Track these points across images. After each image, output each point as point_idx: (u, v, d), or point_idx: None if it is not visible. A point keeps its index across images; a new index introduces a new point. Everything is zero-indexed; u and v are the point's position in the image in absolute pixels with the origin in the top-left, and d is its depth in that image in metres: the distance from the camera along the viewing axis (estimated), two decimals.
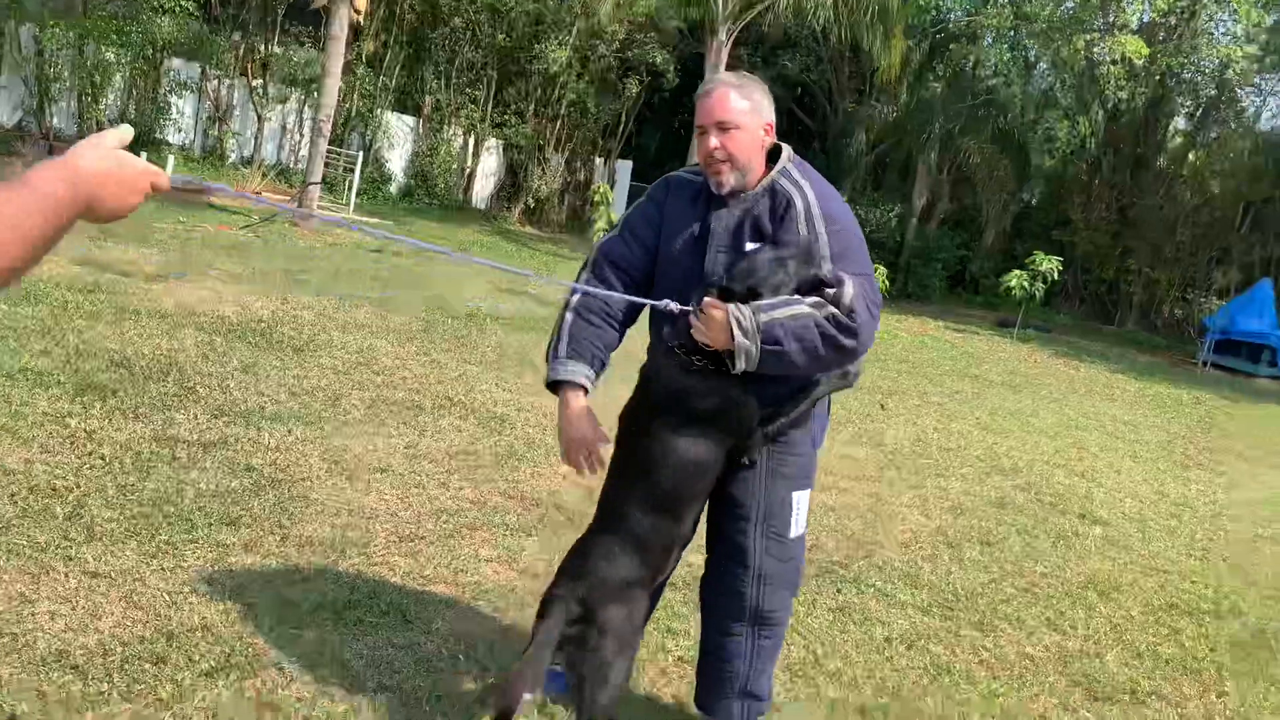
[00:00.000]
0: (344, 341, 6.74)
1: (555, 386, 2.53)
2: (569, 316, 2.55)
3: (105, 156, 1.32)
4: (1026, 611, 4.19)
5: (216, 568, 3.22)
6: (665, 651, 3.23)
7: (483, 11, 18.82)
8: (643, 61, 20.44)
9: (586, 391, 2.51)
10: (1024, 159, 22.65)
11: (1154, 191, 23.01)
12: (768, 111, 2.44)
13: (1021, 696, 3.39)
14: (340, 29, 12.18)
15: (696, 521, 2.51)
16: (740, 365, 2.26)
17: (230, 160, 16.99)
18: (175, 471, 3.90)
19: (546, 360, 2.56)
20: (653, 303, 2.46)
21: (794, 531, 2.57)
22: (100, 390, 4.65)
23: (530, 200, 20.67)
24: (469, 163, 20.23)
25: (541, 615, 2.31)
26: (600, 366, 2.54)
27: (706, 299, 2.31)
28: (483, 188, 20.91)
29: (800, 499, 2.57)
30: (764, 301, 2.27)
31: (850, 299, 2.30)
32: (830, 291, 2.30)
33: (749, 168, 2.42)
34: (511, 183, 21.04)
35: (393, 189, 19.19)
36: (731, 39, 17.55)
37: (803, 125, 25.76)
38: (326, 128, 12.39)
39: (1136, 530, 5.88)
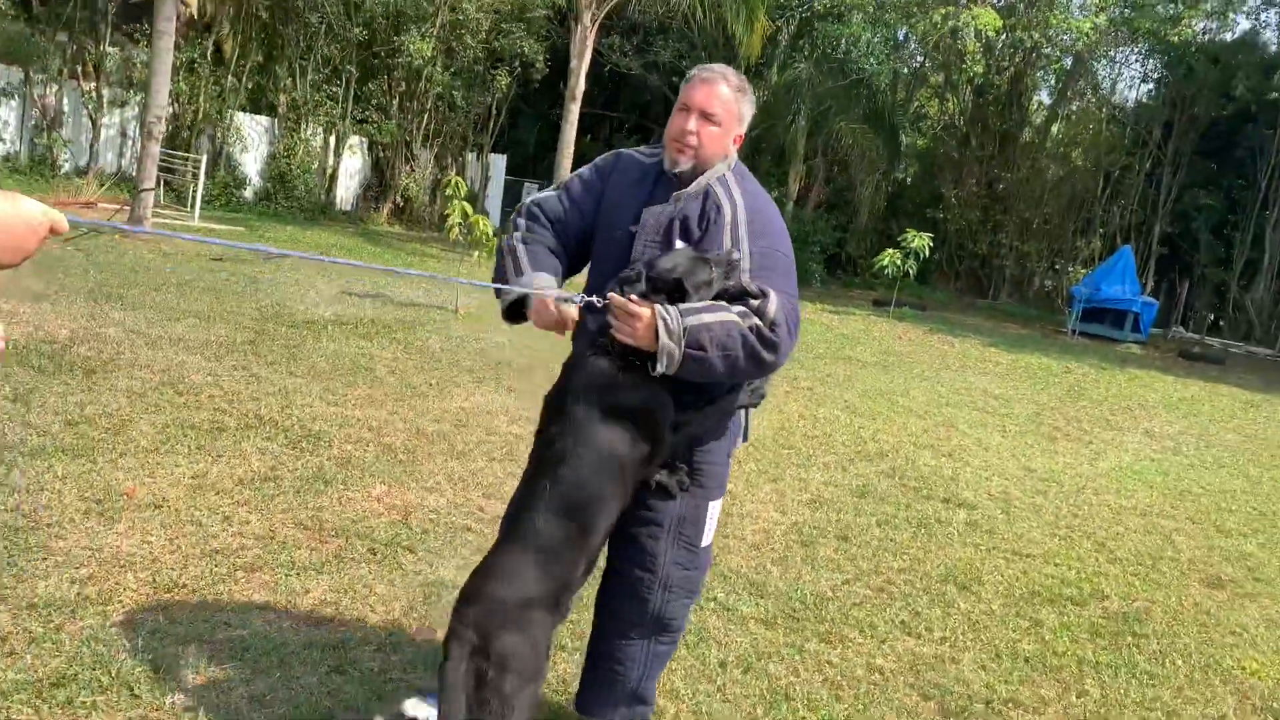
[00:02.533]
0: (150, 360, 6.07)
1: (516, 310, 2.50)
2: (519, 247, 2.53)
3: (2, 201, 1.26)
4: (880, 614, 3.87)
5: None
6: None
7: (337, 5, 17.93)
8: (511, 52, 19.84)
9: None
10: (895, 138, 22.86)
11: (1021, 166, 23.53)
12: (744, 124, 2.48)
13: (866, 719, 3.05)
14: (167, 23, 11.29)
15: (606, 536, 2.37)
16: (660, 367, 2.23)
17: (63, 170, 15.74)
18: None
19: (500, 294, 2.50)
20: (568, 295, 2.43)
21: (704, 541, 2.56)
22: None
23: (399, 199, 19.87)
24: (330, 163, 19.31)
25: (445, 653, 2.12)
26: (559, 282, 2.52)
27: (633, 297, 2.27)
28: (347, 188, 20.00)
29: (714, 509, 2.57)
30: (691, 304, 2.26)
31: (774, 312, 2.29)
32: (755, 303, 2.29)
33: (705, 163, 2.44)
34: (378, 182, 20.20)
35: (248, 193, 18.14)
36: (596, 25, 17.13)
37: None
38: (158, 129, 11.48)
39: (1001, 512, 5.68)
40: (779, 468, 5.91)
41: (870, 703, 3.15)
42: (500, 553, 2.24)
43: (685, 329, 2.23)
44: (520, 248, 2.54)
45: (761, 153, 22.87)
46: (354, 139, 19.57)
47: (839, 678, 3.29)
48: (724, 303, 2.31)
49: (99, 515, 3.67)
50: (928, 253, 16.94)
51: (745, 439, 2.70)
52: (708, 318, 2.25)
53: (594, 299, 2.36)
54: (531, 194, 2.69)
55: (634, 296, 2.28)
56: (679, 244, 2.44)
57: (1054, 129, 25.29)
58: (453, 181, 9.76)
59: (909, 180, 26.47)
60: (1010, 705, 3.28)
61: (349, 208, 19.84)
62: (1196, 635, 4.17)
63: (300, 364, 6.65)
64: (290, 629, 3.06)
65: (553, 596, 2.19)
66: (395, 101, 19.69)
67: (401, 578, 3.56)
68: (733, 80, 2.44)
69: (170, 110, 16.95)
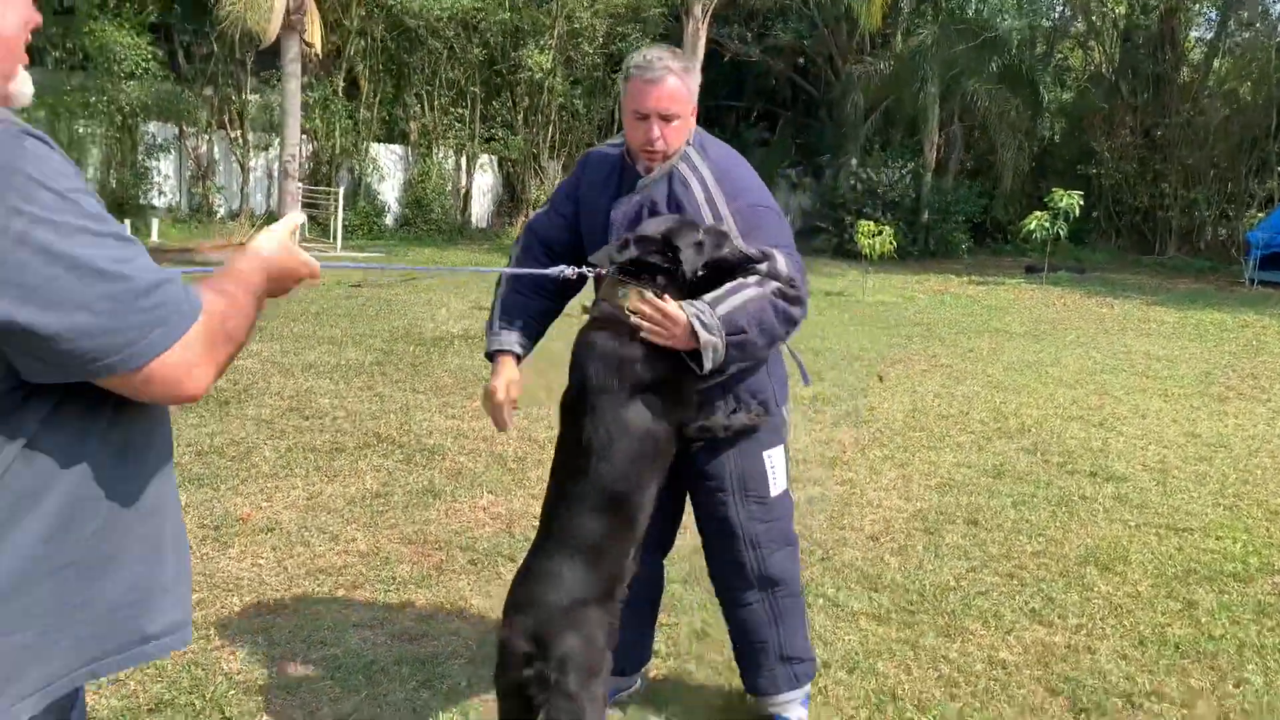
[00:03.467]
0: (281, 387, 6.33)
1: (491, 359, 2.56)
2: (502, 289, 2.59)
3: (281, 245, 1.45)
4: (1007, 603, 3.59)
5: None
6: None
7: (457, 28, 18.43)
8: (628, 55, 19.89)
9: (519, 359, 2.54)
10: (1036, 95, 21.65)
11: (1180, 110, 21.85)
12: (696, 91, 2.40)
13: (983, 718, 2.81)
14: (293, 64, 11.84)
15: (649, 516, 2.27)
16: (707, 364, 2.18)
17: (219, 215, 16.80)
18: None
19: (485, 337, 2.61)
20: (544, 271, 2.46)
21: (774, 490, 2.51)
22: None
23: (530, 212, 20.24)
24: (463, 183, 19.86)
25: (497, 665, 2.11)
26: (534, 334, 2.58)
27: (665, 297, 2.20)
28: (481, 206, 20.54)
29: (774, 456, 2.51)
30: (714, 294, 2.21)
31: (785, 268, 2.26)
32: (763, 267, 2.25)
33: (675, 154, 2.40)
34: (510, 197, 20.64)
35: (388, 220, 18.88)
36: (709, 16, 16.95)
37: (806, 95, 25.02)
38: (293, 167, 12.08)
39: (1155, 483, 5.21)
40: (907, 452, 5.61)
41: (989, 700, 2.90)
42: (543, 556, 2.16)
43: (721, 319, 2.18)
44: (500, 295, 2.59)
45: (894, 125, 22.12)
46: (484, 158, 20.07)
47: (955, 674, 3.04)
48: (739, 280, 2.26)
49: (214, 541, 3.81)
50: (1077, 212, 15.91)
51: (806, 382, 2.75)
52: (736, 299, 2.21)
53: (562, 269, 2.40)
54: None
55: (666, 297, 2.21)
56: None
57: (1216, 65, 23.38)
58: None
59: (1056, 138, 25.02)
60: (1154, 698, 2.95)
61: (484, 225, 20.37)
62: None
63: (423, 380, 6.80)
64: (384, 645, 3.08)
65: (605, 591, 2.14)
66: (520, 116, 20.08)
67: (499, 588, 3.53)
68: (674, 65, 2.33)
69: (310, 148, 17.87)
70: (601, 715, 2.08)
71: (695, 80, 2.39)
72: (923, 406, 6.79)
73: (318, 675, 2.89)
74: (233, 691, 2.75)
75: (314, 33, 11.79)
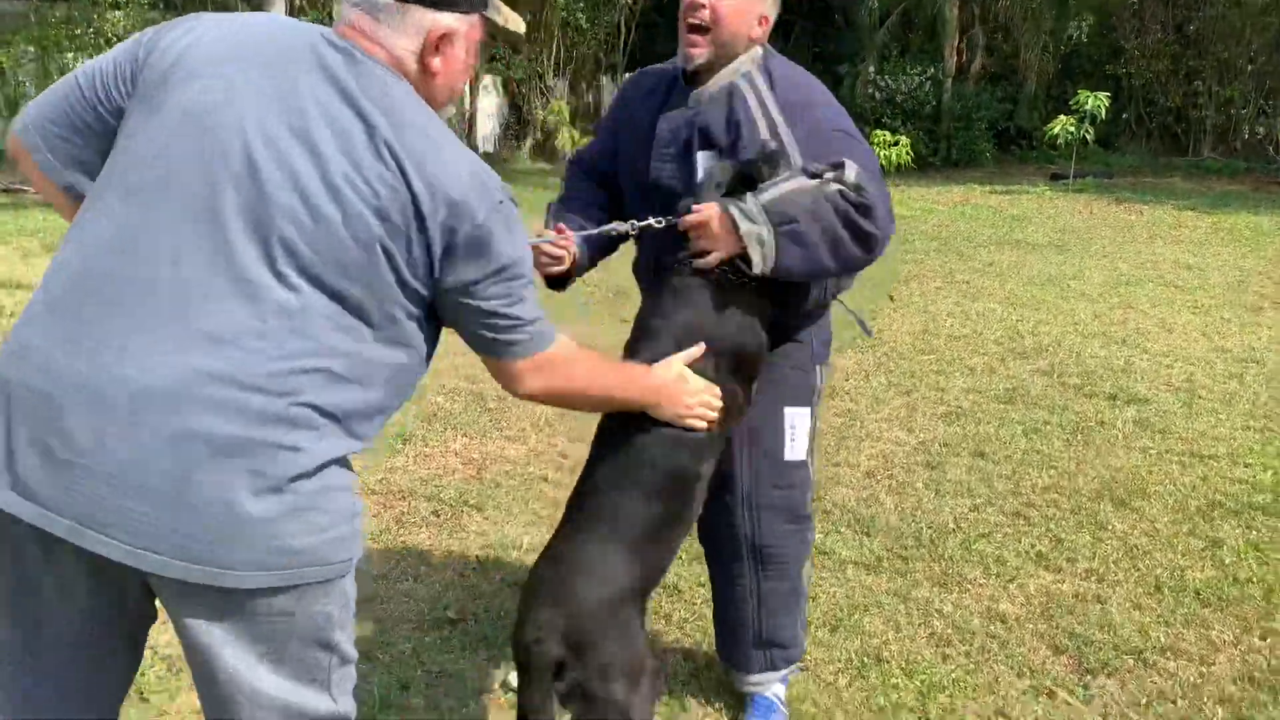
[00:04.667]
0: None
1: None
2: (552, 207, 2.31)
3: (672, 373, 1.84)
4: (1011, 546, 3.31)
5: None
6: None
7: None
8: None
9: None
10: None
11: (1214, 2, 20.75)
12: (772, 3, 2.10)
13: (973, 685, 2.55)
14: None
15: (702, 502, 2.00)
16: (756, 261, 1.88)
17: None
18: None
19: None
20: (605, 228, 2.13)
21: (790, 454, 2.19)
22: None
23: (538, 134, 19.67)
24: (466, 106, 19.28)
25: (519, 664, 1.76)
26: (595, 222, 2.21)
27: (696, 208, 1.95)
28: (487, 129, 19.97)
29: (797, 417, 2.20)
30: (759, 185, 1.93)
31: (854, 175, 1.92)
32: (830, 174, 1.92)
33: (729, 48, 2.06)
34: (516, 119, 20.05)
35: None
36: None
37: (821, 1, 24.02)
38: None
39: (1181, 405, 4.87)
40: (913, 378, 5.29)
41: (984, 660, 2.64)
42: (580, 541, 1.84)
43: (764, 204, 1.89)
44: (551, 210, 2.31)
45: (913, 29, 21.21)
46: (486, 79, 19.44)
47: (949, 630, 2.78)
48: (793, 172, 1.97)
49: None
50: (1105, 114, 15.20)
51: (868, 333, 2.53)
52: (785, 187, 1.92)
53: (615, 226, 2.10)
54: None
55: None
56: (700, 156, 2.08)
57: None
58: (558, 108, 9.34)
59: (1084, 37, 23.94)
60: (1168, 654, 2.68)
61: (491, 149, 19.84)
62: None
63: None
64: None
65: (645, 587, 1.87)
66: (523, 33, 19.39)
67: (459, 541, 3.29)
68: None
69: None
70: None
71: None
72: (934, 327, 6.43)
73: None
74: (154, 668, 2.54)
75: None
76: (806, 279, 2.03)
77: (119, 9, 14.27)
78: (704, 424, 1.86)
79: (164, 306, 1.29)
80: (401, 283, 1.38)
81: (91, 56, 13.29)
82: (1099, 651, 2.68)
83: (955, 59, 20.12)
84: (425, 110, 1.42)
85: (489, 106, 19.97)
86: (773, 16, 2.12)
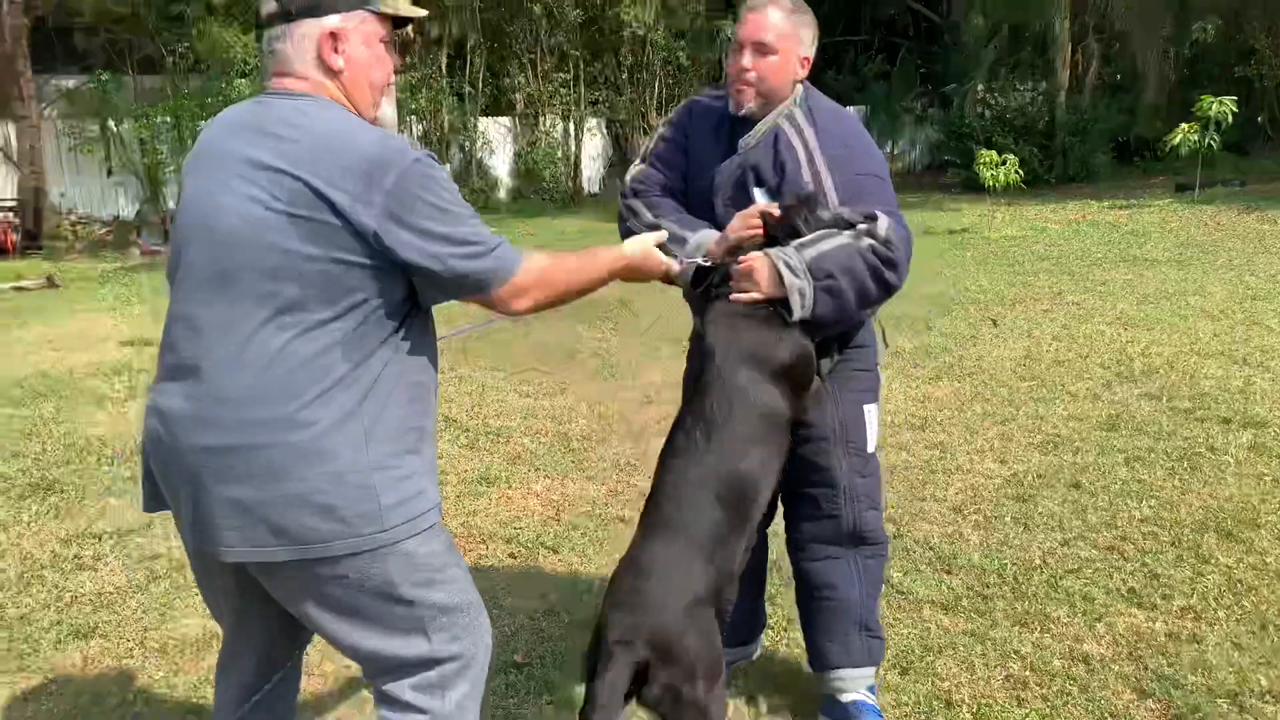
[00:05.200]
0: None
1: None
2: (635, 204, 2.44)
3: (642, 247, 2.02)
4: (1101, 583, 3.15)
5: (27, 695, 2.76)
6: None
7: None
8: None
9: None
10: None
11: None
12: (809, 45, 2.33)
13: None
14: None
15: (764, 508, 2.15)
16: (796, 310, 2.12)
17: None
18: (63, 577, 3.50)
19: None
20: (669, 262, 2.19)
21: (870, 446, 2.45)
22: (48, 489, 4.36)
23: None
24: (572, 149, 19.72)
25: (596, 669, 1.84)
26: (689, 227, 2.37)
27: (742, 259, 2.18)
28: (593, 172, 20.35)
29: (871, 412, 2.44)
30: (801, 239, 2.16)
31: (885, 230, 2.19)
32: (863, 226, 2.19)
33: (774, 97, 2.31)
34: (620, 160, 20.36)
35: (501, 194, 18.93)
36: None
37: (927, 21, 23.67)
38: None
39: None
40: (1012, 406, 5.11)
41: (1062, 704, 2.52)
42: (654, 547, 1.96)
43: (807, 262, 2.12)
44: (636, 206, 2.45)
45: (1022, 44, 20.64)
46: (591, 121, 19.84)
47: (1027, 673, 2.66)
48: (832, 229, 2.19)
49: None
50: (1230, 119, 14.42)
51: (886, 345, 2.59)
52: (824, 246, 2.15)
53: (700, 260, 2.27)
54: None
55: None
56: (757, 193, 2.31)
57: None
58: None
59: (1209, 39, 22.83)
60: (1269, 699, 2.50)
61: (596, 190, 20.19)
62: None
63: (505, 358, 6.68)
64: None
65: (720, 589, 1.96)
66: (625, 75, 19.73)
67: (532, 582, 3.34)
68: (785, 2, 2.29)
69: (419, 129, 18.07)
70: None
71: (804, 24, 2.31)
72: (1037, 352, 6.21)
73: (328, 691, 2.76)
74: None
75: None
76: (833, 323, 2.21)
77: (245, 76, 15.17)
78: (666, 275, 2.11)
79: None
80: (334, 259, 1.58)
81: None
82: (1190, 695, 2.52)
83: (1068, 71, 19.48)
84: (333, 113, 1.65)
85: (593, 149, 20.36)
86: (812, 55, 2.34)
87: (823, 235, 2.16)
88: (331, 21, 1.66)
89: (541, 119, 19.25)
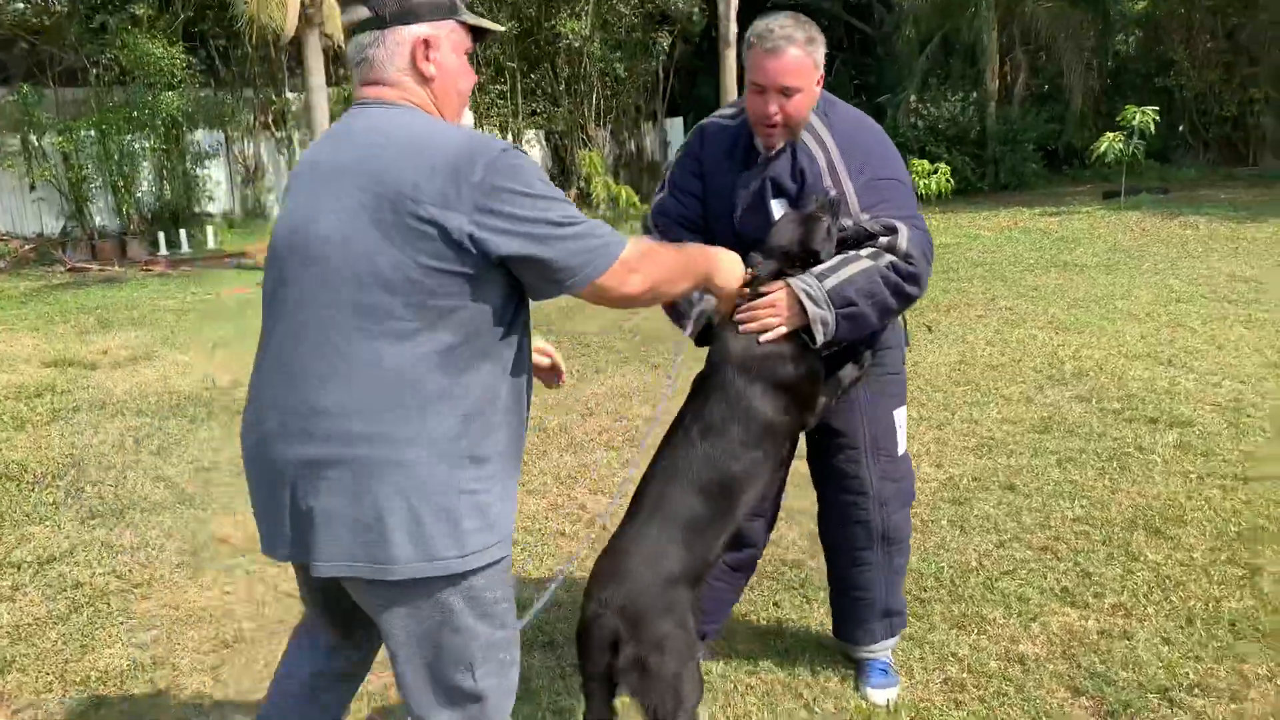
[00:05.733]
0: None
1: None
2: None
3: (729, 266, 2.01)
4: (1035, 583, 3.19)
5: None
6: None
7: (489, 2, 18.12)
8: (669, 11, 19.34)
9: None
10: (1102, 7, 20.33)
11: (1266, 5, 20.27)
12: (822, 62, 2.31)
13: None
14: (316, 59, 11.72)
15: (747, 510, 2.22)
16: (820, 338, 2.15)
17: (273, 218, 16.89)
18: None
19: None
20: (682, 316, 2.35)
21: (901, 449, 2.54)
22: None
23: (581, 184, 19.92)
24: None
25: (581, 643, 2.00)
26: None
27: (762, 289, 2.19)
28: None
29: (900, 415, 2.53)
30: (823, 266, 2.19)
31: (906, 244, 2.22)
32: (884, 240, 2.23)
33: (800, 126, 2.33)
34: (561, 170, 20.33)
35: None
36: None
37: (860, 33, 24.05)
38: None
39: (1226, 425, 4.69)
40: (947, 410, 5.18)
41: (999, 706, 2.54)
42: (638, 529, 2.06)
43: (829, 292, 2.15)
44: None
45: (953, 55, 21.07)
46: (529, 133, 19.79)
47: (964, 675, 2.68)
48: (852, 252, 2.22)
49: (191, 569, 3.65)
50: (1153, 129, 14.86)
51: (907, 344, 2.65)
52: (845, 272, 2.18)
53: (710, 315, 2.30)
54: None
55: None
56: (774, 204, 2.35)
57: None
58: (588, 159, 9.44)
59: (1131, 50, 23.54)
60: (1196, 692, 2.55)
61: None
62: None
63: None
64: None
65: (695, 574, 2.05)
66: (562, 86, 19.72)
67: None
68: (798, 36, 2.25)
69: None
70: (698, 700, 1.98)
71: (820, 50, 2.30)
72: (971, 357, 6.31)
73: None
74: None
75: (335, 25, 11.62)
76: (854, 340, 2.29)
77: (172, 89, 14.85)
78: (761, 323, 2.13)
79: None
80: (428, 269, 1.56)
81: (149, 137, 13.78)
82: (1122, 692, 2.56)
83: (998, 82, 19.93)
84: (419, 119, 1.67)
85: (533, 160, 20.32)
86: (823, 73, 2.34)
87: (843, 261, 2.20)
88: (423, 29, 1.69)
89: (480, 130, 19.14)
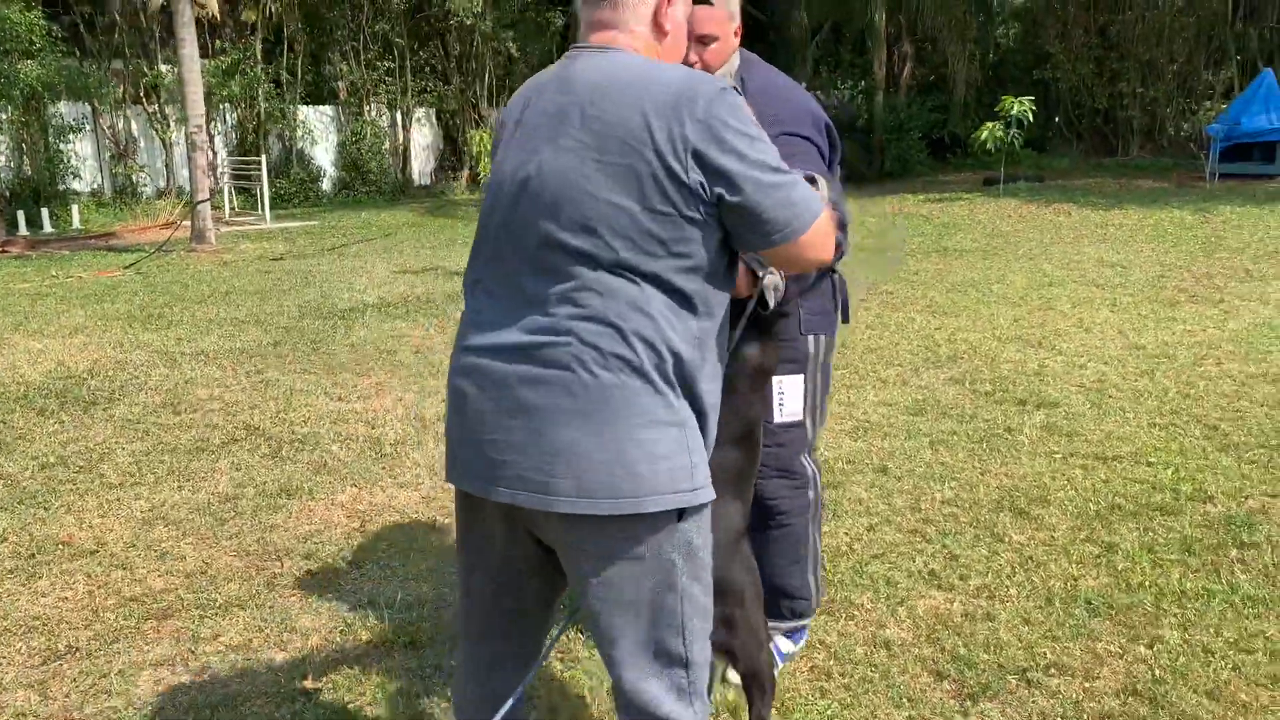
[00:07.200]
0: (160, 381, 5.87)
1: None
2: None
3: None
4: (904, 566, 3.21)
5: None
6: None
7: None
8: None
9: None
10: (984, 1, 20.96)
11: (1133, 4, 21.20)
12: (738, 12, 2.32)
13: (853, 718, 2.44)
14: (187, 29, 11.16)
15: None
16: (771, 302, 2.09)
17: (144, 195, 16.10)
18: None
19: None
20: None
21: (780, 417, 2.44)
22: None
23: (473, 165, 19.58)
24: (400, 140, 19.15)
25: None
26: None
27: None
28: (423, 163, 19.85)
29: (785, 383, 2.43)
30: None
31: (828, 192, 2.12)
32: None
33: (720, 70, 2.36)
34: (452, 151, 19.95)
35: (326, 185, 18.22)
36: None
37: (752, 19, 24.22)
38: (200, 139, 11.43)
39: (1090, 406, 4.84)
40: None
41: (863, 692, 2.53)
42: None
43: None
44: None
45: (842, 42, 21.43)
46: (419, 111, 19.35)
47: (831, 663, 2.67)
48: None
49: (23, 573, 3.39)
50: (1030, 119, 15.39)
51: (845, 319, 2.59)
52: None
53: None
54: None
55: None
56: None
57: None
58: (479, 138, 9.25)
59: (1010, 44, 24.35)
60: (1052, 671, 2.59)
61: (427, 182, 19.71)
62: None
63: (319, 359, 6.35)
64: (177, 691, 2.67)
65: (748, 521, 2.15)
66: (453, 65, 19.31)
67: (332, 603, 3.13)
68: None
69: (234, 117, 17.14)
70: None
71: (734, 1, 2.32)
72: (851, 340, 6.38)
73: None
74: None
75: None
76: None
77: (31, 58, 13.99)
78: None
79: None
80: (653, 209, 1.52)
81: (5, 109, 12.92)
82: (981, 674, 2.58)
83: (885, 71, 20.34)
84: (637, 59, 1.61)
85: (423, 140, 19.86)
86: (739, 19, 2.36)
87: None
88: None
89: (366, 108, 18.63)
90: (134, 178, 16.26)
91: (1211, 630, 2.75)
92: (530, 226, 1.56)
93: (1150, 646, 2.69)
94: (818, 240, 1.61)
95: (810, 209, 1.59)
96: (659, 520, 1.54)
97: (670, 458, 1.52)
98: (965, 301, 7.59)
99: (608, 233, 1.51)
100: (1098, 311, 7.09)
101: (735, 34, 2.31)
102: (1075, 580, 3.08)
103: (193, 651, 2.86)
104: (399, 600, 3.10)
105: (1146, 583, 3.04)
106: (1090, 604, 2.93)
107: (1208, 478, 3.87)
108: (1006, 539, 3.40)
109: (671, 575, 1.58)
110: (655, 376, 1.52)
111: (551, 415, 1.51)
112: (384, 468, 4.32)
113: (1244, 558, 3.19)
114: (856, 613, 2.93)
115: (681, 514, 1.56)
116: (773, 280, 2.19)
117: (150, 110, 16.33)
